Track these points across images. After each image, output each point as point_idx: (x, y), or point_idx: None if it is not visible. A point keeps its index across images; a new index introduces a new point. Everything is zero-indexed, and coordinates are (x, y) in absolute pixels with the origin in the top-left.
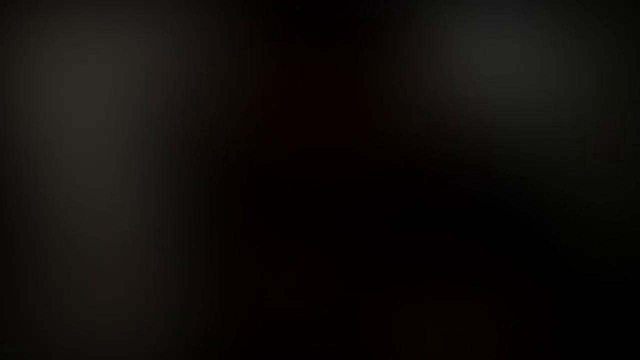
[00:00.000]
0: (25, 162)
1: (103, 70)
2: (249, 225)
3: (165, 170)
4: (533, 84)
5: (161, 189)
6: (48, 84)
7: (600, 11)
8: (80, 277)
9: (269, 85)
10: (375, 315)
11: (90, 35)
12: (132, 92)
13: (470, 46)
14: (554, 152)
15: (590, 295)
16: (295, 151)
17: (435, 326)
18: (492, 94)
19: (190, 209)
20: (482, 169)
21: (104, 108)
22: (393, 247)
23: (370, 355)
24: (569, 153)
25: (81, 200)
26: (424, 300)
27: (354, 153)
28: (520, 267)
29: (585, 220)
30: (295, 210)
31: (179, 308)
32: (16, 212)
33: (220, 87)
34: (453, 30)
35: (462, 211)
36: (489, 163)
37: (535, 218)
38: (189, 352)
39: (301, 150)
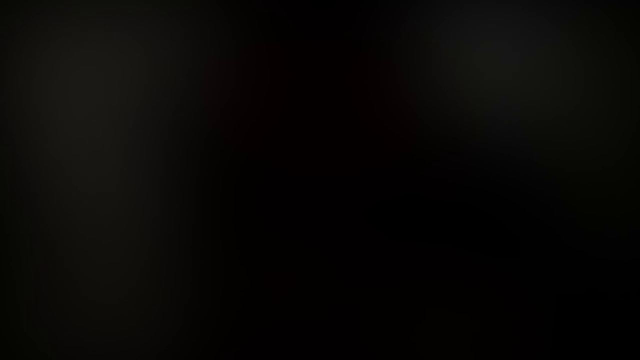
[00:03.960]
0: (25, 162)
1: (104, 70)
2: (249, 225)
3: (169, 169)
4: (533, 84)
5: (166, 188)
6: (48, 84)
7: (600, 11)
8: (81, 276)
9: (271, 85)
10: (377, 315)
11: (91, 35)
12: (133, 93)
13: (472, 47)
14: (555, 152)
15: (590, 295)
16: (296, 151)
17: (435, 323)
18: (493, 96)
19: (194, 208)
20: (483, 167)
21: (105, 108)
22: (392, 247)
23: (373, 353)
24: (569, 153)
25: (82, 200)
26: (425, 299)
27: (356, 153)
28: (521, 267)
29: (587, 221)
30: (295, 210)
31: (182, 307)
32: (18, 213)
33: (223, 87)
34: (453, 31)
35: (462, 210)
36: (490, 162)
37: (539, 218)
38: (190, 350)
39: (303, 150)
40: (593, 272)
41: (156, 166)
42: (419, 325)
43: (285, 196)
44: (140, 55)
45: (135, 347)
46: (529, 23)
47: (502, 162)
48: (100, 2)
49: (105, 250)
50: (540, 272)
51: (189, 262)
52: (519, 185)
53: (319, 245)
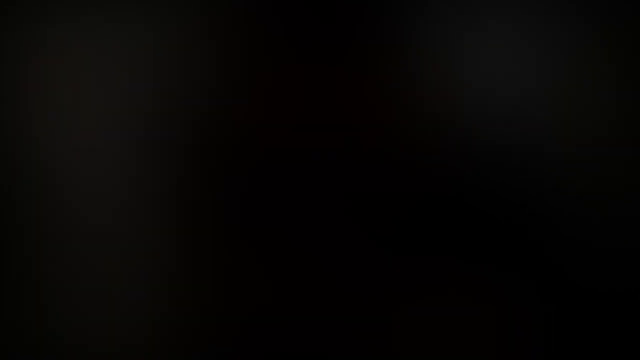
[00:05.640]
0: (26, 162)
1: (105, 69)
2: (249, 223)
3: (169, 169)
4: (534, 83)
5: (167, 189)
6: (48, 84)
7: (600, 11)
8: (79, 275)
9: (271, 85)
10: (376, 314)
11: (92, 34)
12: (133, 92)
13: (472, 47)
14: (556, 151)
15: (587, 298)
16: (289, 152)
17: (436, 323)
18: (493, 96)
19: (192, 207)
20: (483, 166)
21: (105, 108)
22: (391, 247)
23: (373, 352)
24: (570, 153)
25: (82, 200)
26: (424, 299)
27: (358, 153)
28: (523, 264)
29: (587, 225)
30: (294, 209)
31: (184, 306)
32: (18, 212)
33: (224, 87)
34: (453, 31)
35: (462, 210)
36: (489, 160)
37: (543, 219)
38: (190, 349)
39: (304, 149)
40: (598, 264)
41: (157, 167)
42: (418, 326)
43: (277, 197)
44: (140, 60)
45: (134, 346)
46: (525, 26)
47: (500, 159)
48: (106, 13)
49: (102, 246)
50: (544, 268)
51: (190, 260)
52: (518, 182)
53: (312, 246)
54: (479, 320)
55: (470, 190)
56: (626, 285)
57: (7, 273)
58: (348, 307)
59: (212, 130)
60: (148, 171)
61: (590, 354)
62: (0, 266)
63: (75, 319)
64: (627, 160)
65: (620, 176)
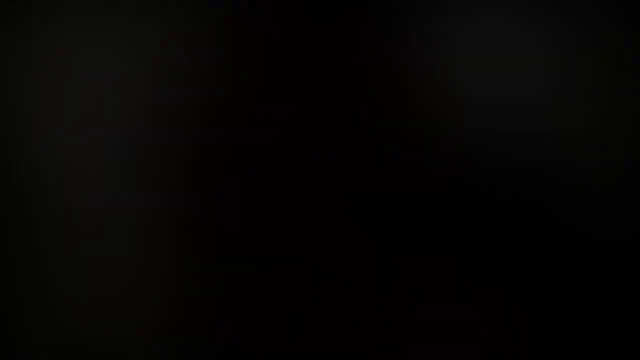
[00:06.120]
0: (27, 162)
1: (103, 69)
2: (248, 223)
3: (170, 169)
4: (534, 83)
5: (167, 188)
6: (49, 83)
7: (599, 10)
8: (76, 274)
9: (270, 84)
10: (377, 313)
11: (92, 35)
12: (132, 91)
13: (472, 47)
14: (557, 151)
15: (588, 298)
16: (297, 150)
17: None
18: (494, 96)
19: (191, 207)
20: (484, 167)
21: (103, 107)
22: (390, 246)
23: (373, 352)
24: (570, 153)
25: (80, 198)
26: (426, 298)
27: (358, 153)
28: (521, 268)
29: (583, 223)
30: (293, 209)
31: (181, 305)
32: (16, 211)
33: (223, 86)
34: (453, 31)
35: (462, 210)
36: (491, 162)
37: (542, 221)
38: (189, 348)
39: (304, 148)
40: (598, 264)
41: (157, 167)
42: (418, 326)
43: (276, 197)
44: (138, 59)
45: (123, 341)
46: (529, 21)
47: (500, 159)
48: (108, 15)
49: (100, 245)
50: (544, 268)
51: (175, 257)
52: (518, 182)
53: (312, 245)
54: (478, 320)
55: (470, 190)
56: (627, 286)
57: (6, 272)
58: (347, 307)
59: (211, 130)
60: (147, 170)
61: (591, 354)
62: None
63: (72, 318)
64: (629, 161)
65: (622, 177)
